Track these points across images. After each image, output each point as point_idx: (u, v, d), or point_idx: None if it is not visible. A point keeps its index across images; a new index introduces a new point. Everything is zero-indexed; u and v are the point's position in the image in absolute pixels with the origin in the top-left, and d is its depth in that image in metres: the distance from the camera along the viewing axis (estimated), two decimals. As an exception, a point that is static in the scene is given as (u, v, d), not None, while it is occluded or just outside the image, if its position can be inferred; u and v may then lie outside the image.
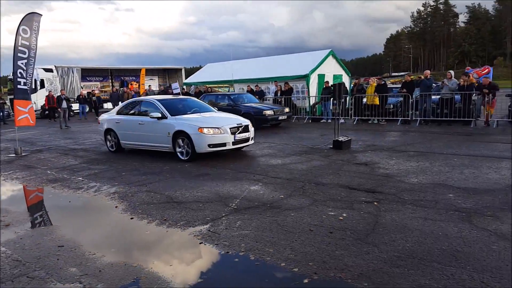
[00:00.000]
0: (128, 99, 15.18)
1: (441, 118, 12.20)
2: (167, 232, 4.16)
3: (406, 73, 19.91)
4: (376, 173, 6.26)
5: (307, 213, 4.50)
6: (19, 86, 9.95)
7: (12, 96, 16.26)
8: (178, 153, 7.92)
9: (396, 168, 6.54)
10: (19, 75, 9.87)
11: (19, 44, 9.75)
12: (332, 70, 17.39)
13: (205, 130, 7.51)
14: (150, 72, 31.57)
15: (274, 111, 13.01)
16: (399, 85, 15.11)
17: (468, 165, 6.44)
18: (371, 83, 13.83)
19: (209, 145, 7.53)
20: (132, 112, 9.18)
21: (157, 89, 21.51)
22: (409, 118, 13.07)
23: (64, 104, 17.51)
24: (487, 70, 18.69)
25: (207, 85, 19.69)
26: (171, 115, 8.12)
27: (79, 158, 9.05)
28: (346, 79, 18.12)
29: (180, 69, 33.75)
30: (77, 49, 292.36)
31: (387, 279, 2.91)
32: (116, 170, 7.51)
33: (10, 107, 23.00)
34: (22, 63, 9.88)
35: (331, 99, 14.01)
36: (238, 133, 7.86)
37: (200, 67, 27.14)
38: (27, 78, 10.07)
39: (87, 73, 29.23)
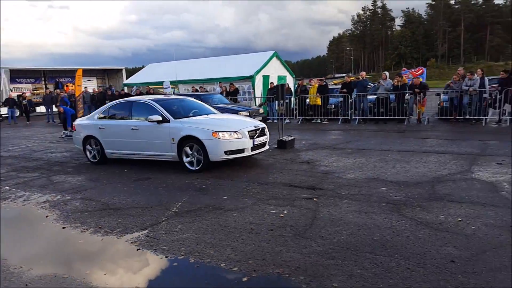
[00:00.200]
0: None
1: (378, 117, 13.01)
2: (102, 241, 4.00)
3: (346, 74, 20.92)
4: (317, 171, 6.53)
5: (250, 212, 4.57)
6: None
7: None
8: (187, 163, 6.75)
9: (335, 165, 6.87)
10: None
11: None
12: (276, 71, 17.79)
13: (220, 134, 6.43)
14: (87, 73, 29.89)
15: (249, 112, 12.21)
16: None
17: (400, 160, 6.94)
18: (313, 84, 14.36)
19: (226, 152, 6.46)
20: (120, 115, 7.77)
21: (92, 91, 20.37)
22: (349, 117, 13.77)
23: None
24: (421, 71, 20.23)
25: (150, 86, 19.14)
26: (174, 118, 6.98)
27: (6, 166, 8.35)
28: (290, 80, 18.64)
29: (121, 70, 32.39)
30: (6, 49, 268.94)
31: (322, 271, 3.06)
32: (49, 177, 7.04)
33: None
34: None
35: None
36: (256, 137, 6.87)
37: (144, 67, 26.32)
38: None
39: (17, 75, 26.98)
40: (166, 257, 3.50)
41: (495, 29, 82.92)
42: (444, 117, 12.51)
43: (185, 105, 7.94)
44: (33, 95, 27.27)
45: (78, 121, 8.70)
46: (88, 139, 8.08)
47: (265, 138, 7.24)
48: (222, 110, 11.82)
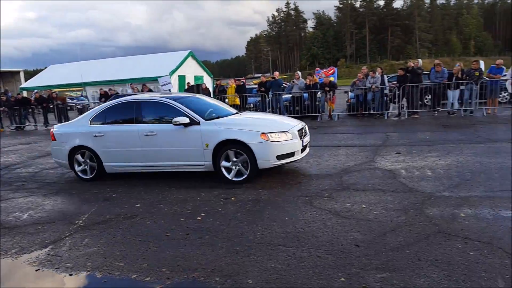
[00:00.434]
0: None
1: (294, 115, 13.65)
2: (-8, 266, 3.55)
3: (262, 74, 21.63)
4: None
5: (165, 218, 4.45)
6: None
7: None
8: (225, 172, 5.72)
9: (253, 163, 7.03)
10: None
11: None
12: (193, 71, 17.67)
13: (270, 136, 5.50)
14: (-26, 76, 26.37)
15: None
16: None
17: (312, 155, 7.37)
18: (231, 84, 14.55)
19: (278, 157, 5.55)
20: (124, 119, 6.31)
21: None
22: (267, 116, 14.20)
23: None
24: (332, 70, 21.70)
25: (52, 90, 17.53)
26: (205, 119, 5.89)
27: None
28: (208, 80, 18.64)
29: (18, 72, 29.20)
30: None
31: (238, 269, 3.11)
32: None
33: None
34: None
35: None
36: (304, 137, 6.05)
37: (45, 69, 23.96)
38: None
39: None
40: (70, 275, 3.24)
41: (395, 31, 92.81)
42: (352, 113, 13.65)
43: (202, 103, 6.69)
44: None
45: (58, 129, 6.86)
46: (76, 151, 6.47)
47: (308, 138, 6.44)
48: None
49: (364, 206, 4.38)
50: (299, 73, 14.30)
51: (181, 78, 16.37)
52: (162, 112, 6.08)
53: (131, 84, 16.03)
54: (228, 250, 3.48)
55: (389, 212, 4.15)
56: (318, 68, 23.78)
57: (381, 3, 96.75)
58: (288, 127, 5.83)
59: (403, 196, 4.64)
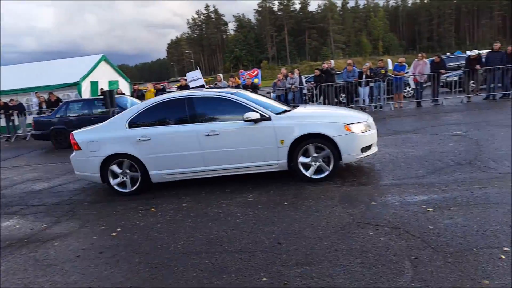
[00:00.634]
0: None
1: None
2: None
3: (182, 77, 21.14)
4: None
5: (75, 238, 4.10)
6: None
7: None
8: (303, 169, 5.22)
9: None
10: None
11: None
12: (106, 76, 16.68)
13: (354, 127, 5.10)
14: None
15: None
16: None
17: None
18: (150, 89, 14.03)
19: (362, 149, 5.18)
20: (173, 119, 5.48)
21: None
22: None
23: None
24: (256, 72, 22.08)
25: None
26: (275, 114, 5.29)
27: None
28: (125, 85, 17.76)
29: None
30: None
31: (157, 284, 2.97)
32: None
33: None
34: None
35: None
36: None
37: None
38: None
39: None
40: (-45, 317, 2.80)
41: (312, 34, 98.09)
42: (275, 112, 14.04)
43: (256, 98, 6.03)
44: None
45: (83, 136, 5.66)
46: (111, 160, 5.47)
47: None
48: None
49: (286, 203, 4.50)
50: (221, 75, 14.36)
51: (94, 84, 15.36)
52: (223, 109, 5.39)
53: (36, 92, 14.61)
54: (147, 265, 3.31)
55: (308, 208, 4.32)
56: (242, 70, 24.09)
57: (298, 6, 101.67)
58: (365, 117, 5.46)
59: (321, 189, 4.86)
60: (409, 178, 4.95)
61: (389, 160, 5.98)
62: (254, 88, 13.60)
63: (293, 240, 3.48)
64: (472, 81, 12.44)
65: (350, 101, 13.39)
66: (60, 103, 12.45)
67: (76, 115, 11.39)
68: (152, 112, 5.53)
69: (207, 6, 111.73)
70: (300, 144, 5.12)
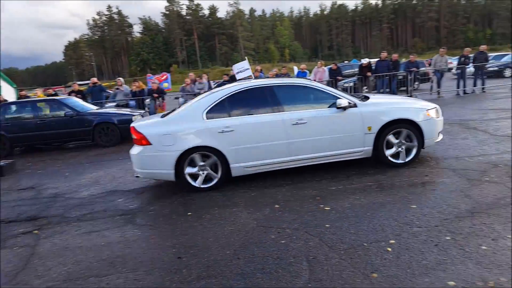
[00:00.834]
0: None
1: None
2: None
3: (73, 82, 19.62)
4: (44, 195, 5.68)
5: None
6: None
7: None
8: (389, 156, 5.28)
9: (67, 184, 6.18)
10: None
11: None
12: (-14, 80, 14.59)
13: (432, 113, 5.38)
14: None
15: (142, 115, 10.20)
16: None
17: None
18: (39, 95, 12.66)
19: (438, 133, 5.57)
20: (256, 108, 5.20)
21: None
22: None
23: None
24: (165, 76, 21.41)
25: None
26: (360, 101, 5.40)
27: None
28: (10, 91, 15.72)
29: None
30: None
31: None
32: None
33: None
34: None
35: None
36: None
37: None
38: None
39: None
40: None
41: (222, 39, 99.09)
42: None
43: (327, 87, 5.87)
44: None
45: (151, 129, 5.10)
46: (189, 155, 4.98)
47: None
48: (106, 116, 9.94)
49: (189, 213, 4.34)
50: (122, 79, 13.51)
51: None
52: (305, 97, 5.40)
53: None
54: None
55: (215, 218, 4.22)
56: (150, 74, 23.24)
57: (206, 12, 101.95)
58: (433, 104, 5.65)
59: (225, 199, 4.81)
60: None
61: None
62: (160, 93, 13.14)
63: (195, 253, 3.34)
64: (365, 87, 13.70)
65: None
66: None
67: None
68: (231, 102, 5.22)
69: (109, 7, 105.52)
70: (385, 130, 5.23)
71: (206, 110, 5.15)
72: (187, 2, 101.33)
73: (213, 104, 5.18)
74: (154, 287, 2.86)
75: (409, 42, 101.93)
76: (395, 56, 14.02)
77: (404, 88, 13.88)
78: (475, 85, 13.58)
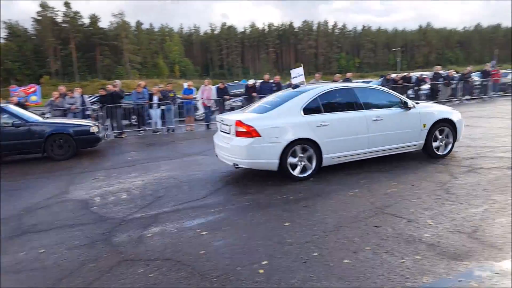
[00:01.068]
0: None
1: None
2: None
3: None
4: None
5: None
6: None
7: None
8: (435, 148, 6.62)
9: None
10: None
11: None
12: None
13: (460, 115, 6.88)
14: None
15: (98, 126, 9.86)
16: None
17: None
18: None
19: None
20: (343, 106, 6.17)
21: None
22: None
23: None
24: (33, 88, 18.93)
25: None
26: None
27: None
28: None
29: None
30: None
31: None
32: None
33: None
34: None
35: None
36: None
37: None
38: None
39: None
40: None
41: (104, 51, 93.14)
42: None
43: None
44: None
45: (260, 122, 5.57)
46: (292, 146, 5.57)
47: None
48: (61, 126, 9.27)
49: (43, 251, 3.76)
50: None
51: None
52: (377, 97, 6.49)
53: None
54: None
55: (72, 251, 3.73)
56: (15, 86, 20.41)
57: (87, 21, 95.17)
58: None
59: (92, 227, 4.32)
60: (190, 202, 5.02)
61: (174, 185, 5.96)
62: (22, 107, 11.56)
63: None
64: (251, 106, 14.25)
65: (142, 123, 13.11)
66: None
67: None
68: (322, 100, 6.01)
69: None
70: (432, 128, 6.49)
71: (303, 107, 5.85)
72: (64, 9, 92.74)
73: (308, 102, 5.93)
74: None
75: (292, 66, 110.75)
76: (276, 78, 14.98)
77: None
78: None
